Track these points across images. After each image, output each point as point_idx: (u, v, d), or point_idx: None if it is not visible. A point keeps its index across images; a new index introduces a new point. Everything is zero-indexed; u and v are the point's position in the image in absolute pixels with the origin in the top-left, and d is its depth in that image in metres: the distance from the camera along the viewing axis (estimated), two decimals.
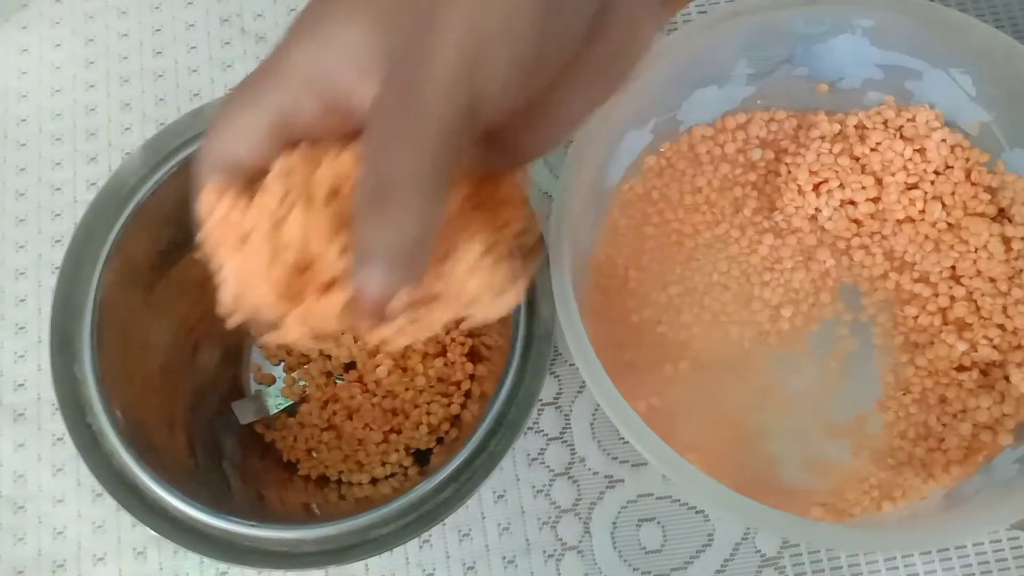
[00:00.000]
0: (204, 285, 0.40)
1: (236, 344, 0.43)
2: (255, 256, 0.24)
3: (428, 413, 0.40)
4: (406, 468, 0.40)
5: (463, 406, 0.41)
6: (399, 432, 0.40)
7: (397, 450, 0.40)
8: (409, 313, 0.24)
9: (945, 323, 0.38)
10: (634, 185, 0.41)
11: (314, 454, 0.40)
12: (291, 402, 0.41)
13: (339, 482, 0.40)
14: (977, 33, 0.36)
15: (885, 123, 0.40)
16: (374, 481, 0.39)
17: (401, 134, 0.22)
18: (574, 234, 0.35)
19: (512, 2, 0.22)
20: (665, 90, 0.39)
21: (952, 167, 0.40)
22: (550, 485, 0.41)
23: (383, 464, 0.40)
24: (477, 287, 0.25)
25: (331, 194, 0.24)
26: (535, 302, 0.34)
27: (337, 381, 0.41)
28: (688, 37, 0.37)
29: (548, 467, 0.41)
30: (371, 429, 0.40)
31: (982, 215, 0.39)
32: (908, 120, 0.40)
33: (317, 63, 0.23)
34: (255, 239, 0.24)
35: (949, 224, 0.39)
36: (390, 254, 0.22)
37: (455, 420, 0.40)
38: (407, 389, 0.40)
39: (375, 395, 0.40)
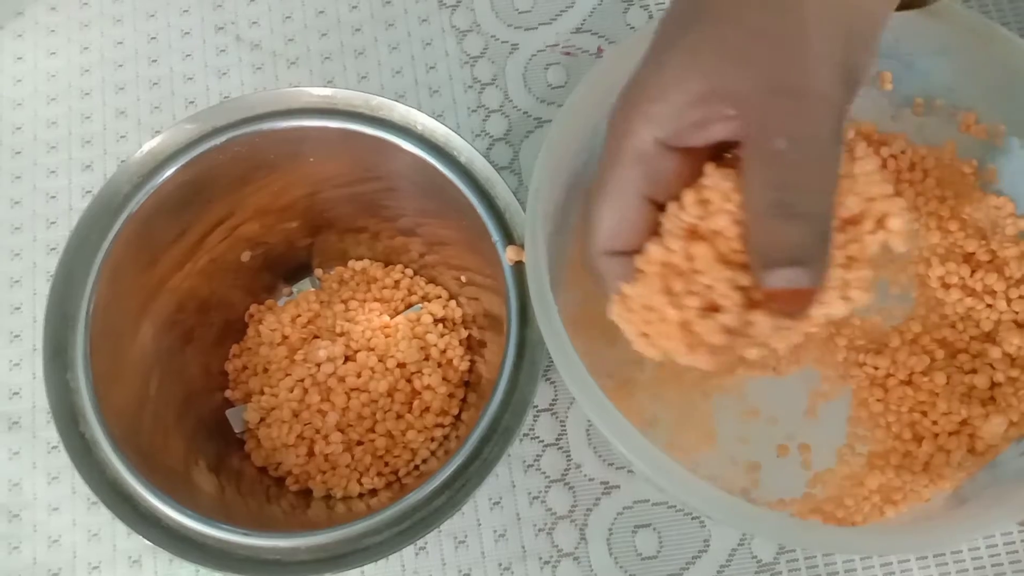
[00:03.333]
0: (197, 294, 0.41)
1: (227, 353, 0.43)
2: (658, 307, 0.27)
3: (407, 439, 0.40)
4: (377, 490, 0.40)
5: (446, 437, 0.41)
6: (378, 456, 0.40)
7: (371, 470, 0.40)
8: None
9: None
10: None
11: (293, 470, 0.40)
12: (257, 418, 0.41)
13: (327, 497, 0.39)
14: (957, 17, 0.36)
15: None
16: (360, 496, 0.39)
17: (791, 130, 0.24)
18: (556, 235, 0.34)
19: None
20: None
21: None
22: (546, 491, 0.41)
23: (359, 482, 0.39)
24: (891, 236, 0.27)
25: (690, 233, 0.27)
26: (527, 307, 0.34)
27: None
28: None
29: (544, 473, 0.41)
30: (342, 448, 0.40)
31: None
32: None
33: (662, 122, 0.26)
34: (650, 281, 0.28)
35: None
36: (799, 253, 0.25)
37: (437, 448, 0.40)
38: (386, 413, 0.40)
39: (343, 415, 0.40)
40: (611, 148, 0.28)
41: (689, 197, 0.27)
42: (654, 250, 0.27)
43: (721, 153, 0.28)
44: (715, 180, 0.27)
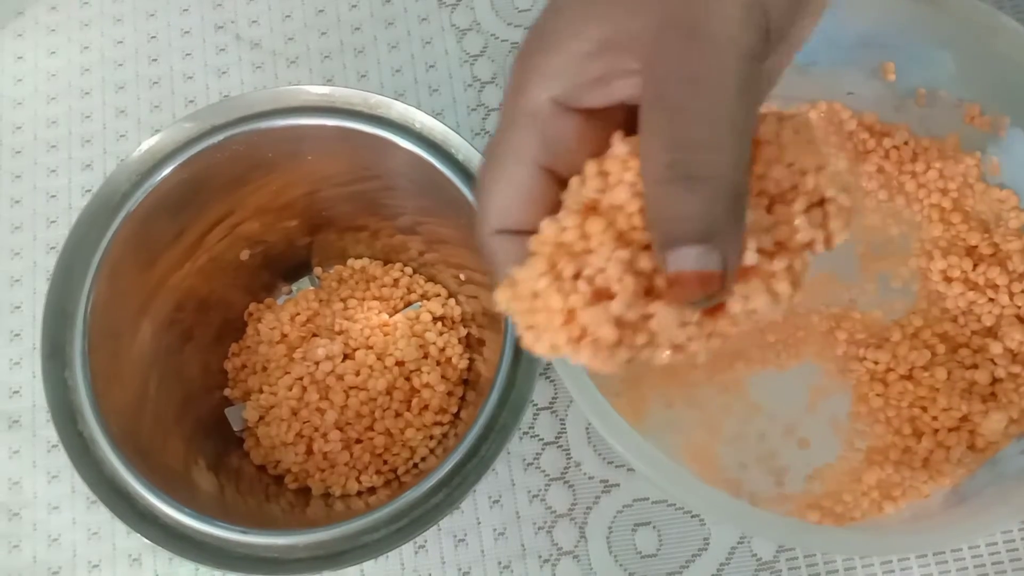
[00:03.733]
0: (197, 292, 0.41)
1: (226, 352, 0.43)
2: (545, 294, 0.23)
3: (406, 437, 0.40)
4: (375, 488, 0.39)
5: (445, 435, 0.41)
6: (376, 454, 0.40)
7: (370, 469, 0.40)
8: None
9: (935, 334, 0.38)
10: None
11: (292, 468, 0.40)
12: (256, 416, 0.40)
13: (326, 495, 0.39)
14: (961, 7, 0.36)
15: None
16: (359, 495, 0.39)
17: (688, 76, 0.21)
18: None
19: None
20: None
21: None
22: (546, 490, 0.41)
23: (358, 480, 0.39)
24: (809, 235, 0.23)
25: (589, 209, 0.23)
26: None
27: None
28: None
29: (544, 472, 0.41)
30: (341, 447, 0.40)
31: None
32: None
33: (553, 82, 0.23)
34: (537, 264, 0.23)
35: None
36: (704, 227, 0.21)
37: (436, 447, 0.40)
38: (385, 411, 0.40)
39: (342, 413, 0.40)
40: (505, 109, 0.24)
41: (591, 168, 0.24)
42: (547, 228, 0.23)
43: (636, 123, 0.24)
44: (619, 150, 0.23)
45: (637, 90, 0.23)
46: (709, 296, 0.22)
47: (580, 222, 0.23)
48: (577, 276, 0.23)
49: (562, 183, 0.24)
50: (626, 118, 0.24)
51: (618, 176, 0.23)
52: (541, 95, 0.23)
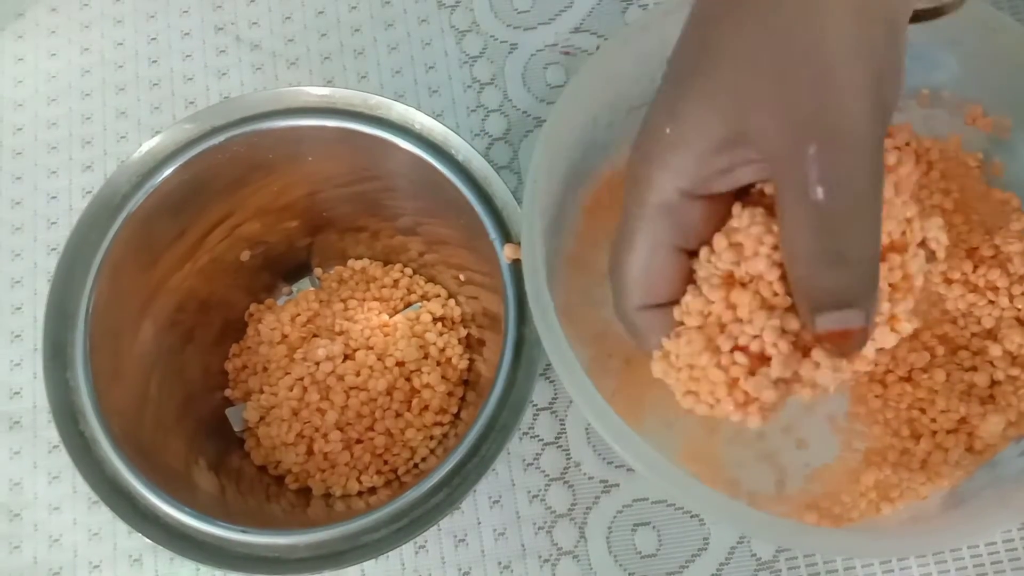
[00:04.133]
0: (197, 293, 0.41)
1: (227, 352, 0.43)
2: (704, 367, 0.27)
3: (406, 437, 0.40)
4: (376, 488, 0.40)
5: (445, 435, 0.41)
6: (377, 455, 0.40)
7: (371, 469, 0.40)
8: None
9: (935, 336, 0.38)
10: (613, 176, 0.40)
11: (292, 468, 0.40)
12: (257, 417, 0.40)
13: (327, 495, 0.39)
14: (966, 8, 0.36)
15: None
16: (359, 495, 0.39)
17: (829, 176, 0.23)
18: (555, 229, 0.34)
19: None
20: (636, 81, 0.38)
21: None
22: (545, 490, 0.41)
23: (358, 480, 0.40)
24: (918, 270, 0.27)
25: (727, 280, 0.27)
26: (525, 305, 0.34)
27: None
28: (654, 24, 0.35)
29: (543, 472, 0.41)
30: (341, 447, 0.40)
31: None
32: None
33: (692, 168, 0.26)
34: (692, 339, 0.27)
35: None
36: (849, 296, 0.25)
37: (436, 447, 0.40)
38: (385, 411, 0.40)
39: (342, 413, 0.40)
40: (633, 202, 0.28)
41: (721, 242, 0.27)
42: (694, 303, 0.27)
43: (747, 189, 0.28)
44: (744, 222, 0.27)
45: (757, 175, 0.27)
46: (854, 347, 0.25)
47: (724, 294, 0.27)
48: (734, 349, 0.26)
49: (690, 253, 0.28)
50: (737, 190, 0.28)
51: (753, 249, 0.26)
52: (670, 188, 0.27)
